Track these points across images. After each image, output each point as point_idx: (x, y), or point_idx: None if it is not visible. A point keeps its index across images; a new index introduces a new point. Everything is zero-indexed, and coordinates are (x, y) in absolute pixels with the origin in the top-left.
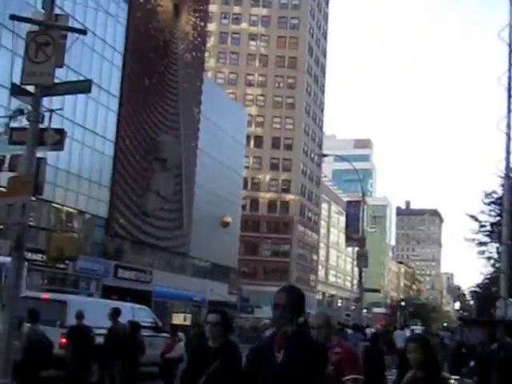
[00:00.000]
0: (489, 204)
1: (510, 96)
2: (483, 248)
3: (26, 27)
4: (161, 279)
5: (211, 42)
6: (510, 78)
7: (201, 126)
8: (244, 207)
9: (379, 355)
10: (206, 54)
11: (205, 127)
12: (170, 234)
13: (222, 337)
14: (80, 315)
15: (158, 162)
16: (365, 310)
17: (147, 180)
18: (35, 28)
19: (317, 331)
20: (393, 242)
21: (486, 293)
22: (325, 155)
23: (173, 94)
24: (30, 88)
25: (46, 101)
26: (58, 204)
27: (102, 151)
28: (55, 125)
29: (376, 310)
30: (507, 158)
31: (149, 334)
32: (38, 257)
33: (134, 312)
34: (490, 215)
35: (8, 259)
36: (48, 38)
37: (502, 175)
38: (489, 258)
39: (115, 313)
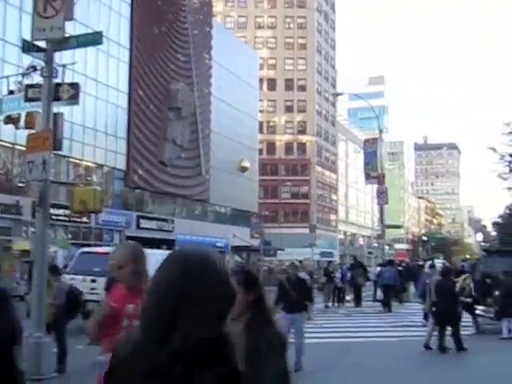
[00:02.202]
0: (508, 134)
1: None
2: (503, 180)
3: None
4: (183, 227)
5: None
6: None
7: (213, 72)
8: (261, 151)
9: (451, 287)
10: None
11: (217, 73)
12: (189, 182)
13: None
14: None
15: (173, 111)
16: (387, 247)
17: (163, 130)
18: None
19: (119, 271)
20: (412, 178)
21: (508, 223)
22: (339, 94)
23: (183, 41)
24: (41, 43)
25: (56, 56)
26: (75, 159)
27: (116, 103)
28: (68, 80)
29: (398, 246)
30: None
31: None
32: (60, 212)
33: (157, 260)
34: (509, 146)
35: None
36: None
37: None
38: (509, 189)
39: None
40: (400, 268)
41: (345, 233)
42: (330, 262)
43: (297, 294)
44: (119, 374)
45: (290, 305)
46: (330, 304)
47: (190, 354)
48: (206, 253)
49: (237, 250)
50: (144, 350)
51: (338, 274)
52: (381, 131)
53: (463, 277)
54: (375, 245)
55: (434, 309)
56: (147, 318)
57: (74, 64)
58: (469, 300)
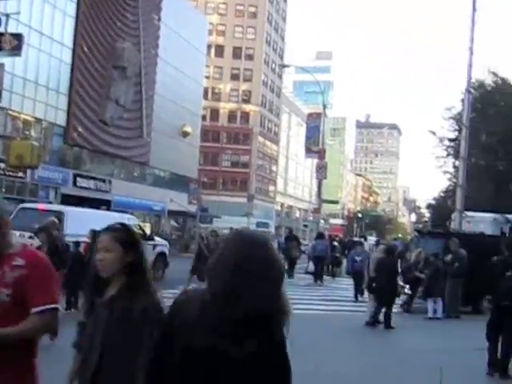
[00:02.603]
0: (448, 119)
1: (474, 10)
2: (440, 163)
3: None
4: (120, 188)
5: None
6: None
7: (161, 33)
8: (204, 117)
9: (393, 265)
10: None
11: (165, 35)
12: (130, 144)
13: None
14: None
15: (118, 70)
16: (322, 221)
17: (106, 88)
18: None
19: None
20: (351, 155)
21: (442, 206)
22: (286, 66)
23: None
24: None
25: (0, 5)
26: (14, 111)
27: (59, 58)
28: (12, 30)
29: (333, 221)
30: (468, 72)
31: None
32: None
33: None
34: (448, 130)
35: None
36: None
37: (463, 90)
38: (445, 173)
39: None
40: (335, 243)
41: (282, 204)
42: (265, 232)
43: None
44: (180, 329)
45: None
46: None
47: (249, 323)
48: (263, 236)
49: (173, 214)
50: (210, 313)
51: (275, 245)
52: (325, 106)
53: (418, 250)
54: (311, 218)
55: (374, 285)
56: (214, 289)
57: (18, 14)
58: (422, 275)
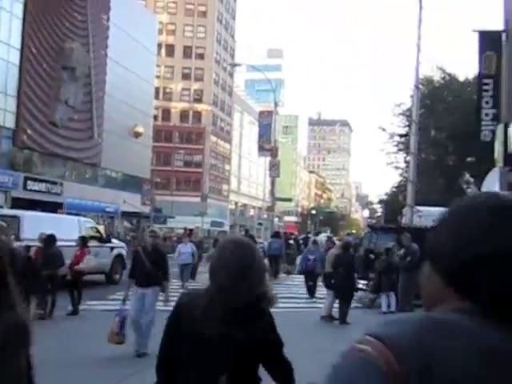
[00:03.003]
0: (398, 115)
1: (421, 8)
2: (391, 159)
3: None
4: (72, 191)
5: None
6: None
7: (110, 33)
8: (156, 117)
9: (350, 261)
10: None
11: (114, 35)
12: (81, 145)
13: None
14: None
15: (67, 71)
16: (276, 219)
17: (55, 89)
18: None
19: None
20: (304, 152)
21: (394, 201)
22: (237, 64)
23: None
24: None
25: None
26: None
27: (6, 59)
28: None
29: (287, 218)
30: (416, 69)
31: (96, 244)
32: None
33: (80, 225)
34: (398, 126)
35: None
36: None
37: (412, 86)
38: (396, 168)
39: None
40: (291, 241)
41: (236, 203)
42: (220, 231)
43: (152, 267)
44: (189, 324)
45: (142, 278)
46: None
47: (247, 310)
48: (248, 240)
49: (127, 215)
50: (217, 304)
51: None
52: (276, 104)
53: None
54: (265, 216)
55: (332, 281)
56: (221, 280)
57: None
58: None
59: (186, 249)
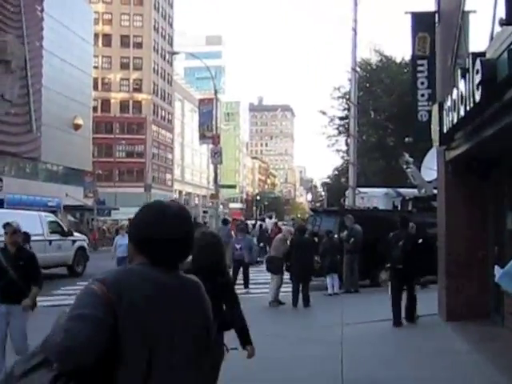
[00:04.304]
0: (337, 98)
1: None
2: (332, 141)
3: None
4: (12, 186)
5: None
6: None
7: (45, 24)
8: (95, 108)
9: (308, 244)
10: None
11: (49, 26)
12: (19, 139)
13: None
14: None
15: (1, 64)
16: (221, 206)
17: None
18: None
19: None
20: (247, 138)
21: (336, 184)
22: (176, 53)
23: None
24: None
25: None
26: None
27: None
28: None
29: (232, 205)
30: (353, 52)
31: (58, 238)
32: None
33: (41, 220)
34: (338, 109)
35: None
36: None
37: (349, 70)
38: (338, 151)
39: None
40: (238, 226)
41: (180, 192)
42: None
43: (18, 275)
44: None
45: (6, 291)
46: None
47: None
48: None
49: (70, 209)
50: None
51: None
52: (216, 92)
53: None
54: (210, 204)
55: (287, 264)
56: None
57: None
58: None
59: (124, 240)
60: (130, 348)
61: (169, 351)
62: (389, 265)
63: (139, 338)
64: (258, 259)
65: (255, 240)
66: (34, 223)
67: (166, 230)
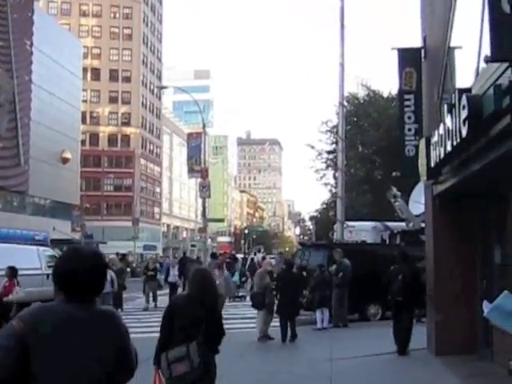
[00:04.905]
0: (325, 132)
1: (342, 26)
2: (321, 175)
3: None
4: None
5: None
6: (342, 8)
7: (34, 59)
8: (84, 142)
9: (294, 279)
10: None
11: (38, 60)
12: (7, 173)
13: None
14: None
15: None
16: (210, 240)
17: None
18: None
19: None
20: (235, 172)
21: (324, 217)
22: (164, 87)
23: (2, 25)
24: None
25: None
26: None
27: None
28: None
29: (221, 238)
30: (341, 87)
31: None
32: None
33: (39, 254)
34: (326, 143)
35: None
36: None
37: (337, 104)
38: (326, 184)
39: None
40: (228, 260)
41: (168, 226)
42: (157, 255)
43: None
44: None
45: None
46: (151, 305)
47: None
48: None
49: (57, 243)
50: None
51: (175, 271)
52: (205, 125)
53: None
54: (198, 237)
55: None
56: (193, 293)
57: None
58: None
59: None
60: (40, 368)
61: (76, 370)
62: (389, 297)
63: (49, 360)
64: (241, 294)
65: (238, 275)
66: (31, 257)
67: (77, 262)
